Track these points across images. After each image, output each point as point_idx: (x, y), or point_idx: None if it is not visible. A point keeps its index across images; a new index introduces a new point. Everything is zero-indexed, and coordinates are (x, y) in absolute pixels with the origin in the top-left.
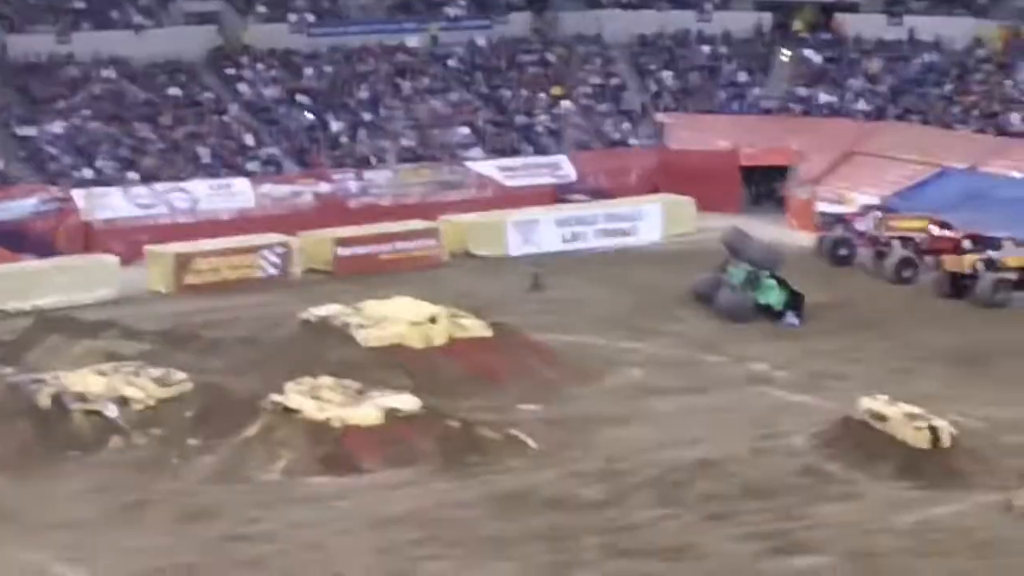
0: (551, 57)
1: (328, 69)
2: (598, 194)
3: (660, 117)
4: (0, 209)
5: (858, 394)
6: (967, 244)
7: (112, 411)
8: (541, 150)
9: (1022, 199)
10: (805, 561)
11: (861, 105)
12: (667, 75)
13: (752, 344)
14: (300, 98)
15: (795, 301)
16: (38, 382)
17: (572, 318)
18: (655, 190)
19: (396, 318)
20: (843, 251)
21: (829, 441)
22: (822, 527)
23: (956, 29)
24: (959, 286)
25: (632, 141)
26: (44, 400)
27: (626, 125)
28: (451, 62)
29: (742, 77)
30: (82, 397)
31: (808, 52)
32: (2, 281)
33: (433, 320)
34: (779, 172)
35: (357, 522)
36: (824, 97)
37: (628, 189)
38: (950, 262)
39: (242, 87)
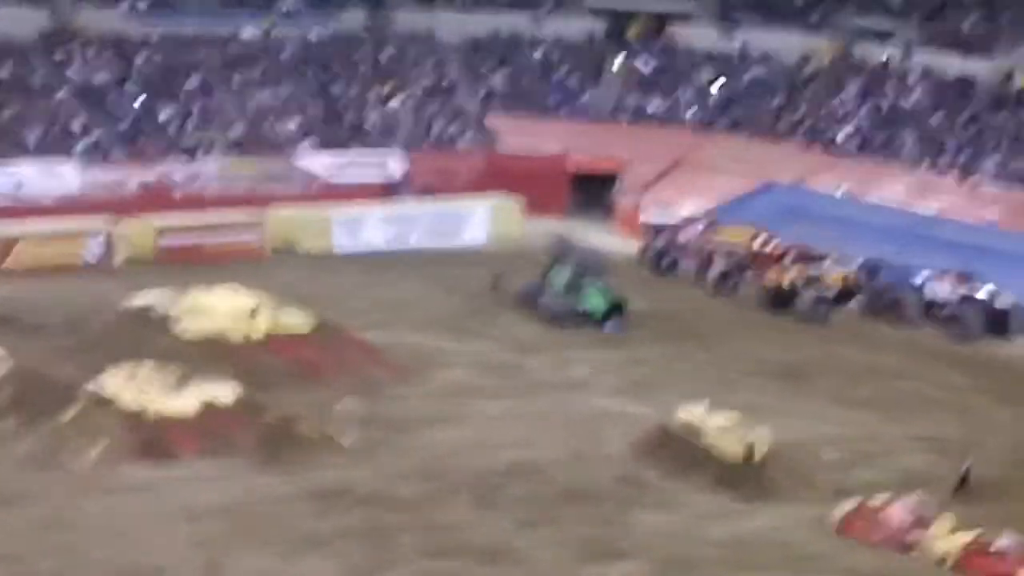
0: (384, 55)
1: (159, 57)
2: (426, 193)
3: (490, 119)
4: None
5: (678, 404)
6: (789, 259)
7: None
8: (371, 147)
9: (846, 216)
10: (622, 567)
11: (692, 115)
12: (499, 77)
13: (574, 350)
14: (130, 85)
15: (617, 308)
16: None
17: (395, 317)
18: (483, 191)
19: (217, 309)
20: (667, 261)
21: (647, 450)
22: (639, 534)
23: (787, 44)
24: (781, 300)
25: (462, 142)
26: None
27: (456, 126)
28: (284, 55)
29: (574, 83)
30: None
31: (640, 61)
32: None
33: (254, 313)
34: (607, 179)
35: (172, 512)
36: (654, 106)
37: (457, 189)
38: (771, 276)
39: (72, 71)
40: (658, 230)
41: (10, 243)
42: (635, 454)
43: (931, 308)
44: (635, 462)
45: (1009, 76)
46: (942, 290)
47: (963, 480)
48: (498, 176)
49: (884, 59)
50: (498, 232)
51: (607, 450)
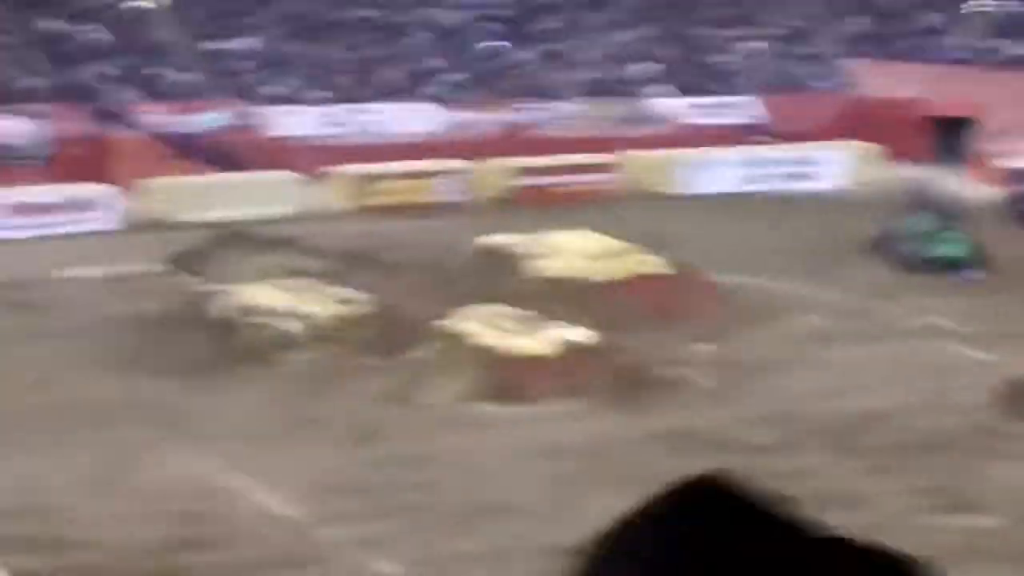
0: None
1: None
2: (783, 137)
3: (850, 62)
4: (186, 123)
5: None
6: None
7: (290, 326)
8: (728, 89)
9: None
10: (977, 520)
11: None
12: (858, 20)
13: (931, 297)
14: (490, 25)
15: (976, 255)
16: (219, 293)
17: (749, 260)
18: (842, 136)
19: (573, 251)
20: None
21: (1006, 400)
22: (995, 487)
23: None
24: None
25: (820, 85)
26: (223, 312)
27: (815, 68)
28: None
29: (935, 25)
30: (262, 310)
31: (1002, 2)
32: (185, 193)
33: (611, 254)
34: (967, 124)
35: (525, 451)
36: (1018, 49)
37: (815, 133)
38: None
39: (434, 11)
40: (1019, 176)
41: (369, 182)
42: (993, 404)
43: None
44: (992, 412)
45: None
46: None
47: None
48: (855, 120)
49: None
50: (856, 177)
51: (963, 399)
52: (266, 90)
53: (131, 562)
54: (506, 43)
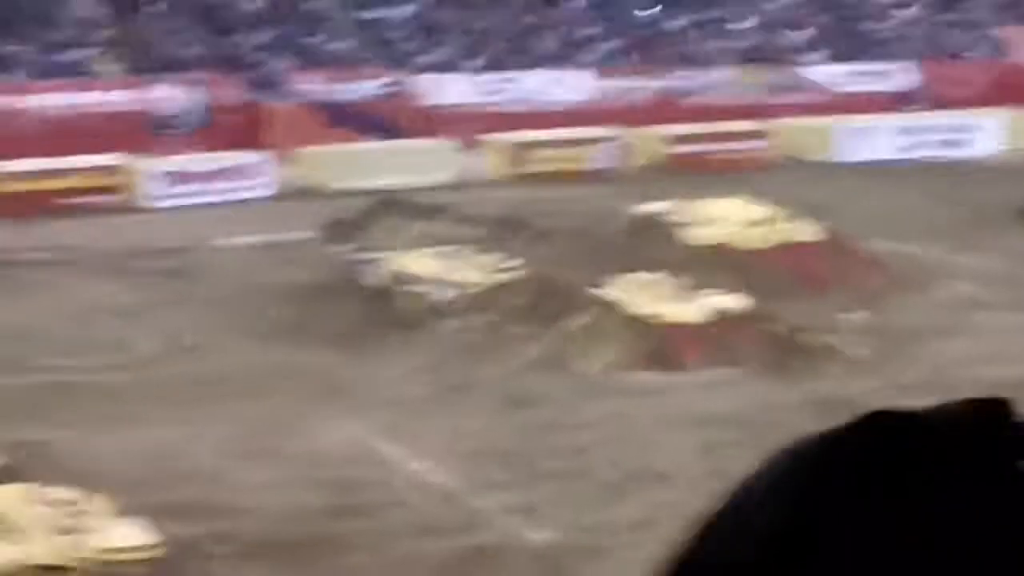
0: None
1: None
2: (937, 104)
3: (1005, 30)
4: (344, 91)
5: None
6: None
7: (444, 293)
8: (882, 56)
9: None
10: None
11: None
12: None
13: None
14: None
15: None
16: (372, 261)
17: (901, 227)
18: (996, 103)
19: (726, 218)
20: None
21: None
22: None
23: None
24: None
25: (974, 52)
26: (377, 279)
27: (969, 35)
28: None
29: None
30: (415, 278)
31: None
32: (344, 161)
33: (763, 222)
34: None
35: (677, 418)
36: None
37: (968, 100)
38: None
39: None
40: None
41: (524, 149)
42: None
43: None
44: None
45: None
46: None
47: None
48: (1010, 87)
49: None
50: (1010, 144)
51: None
52: (421, 58)
53: (285, 529)
54: (660, 10)
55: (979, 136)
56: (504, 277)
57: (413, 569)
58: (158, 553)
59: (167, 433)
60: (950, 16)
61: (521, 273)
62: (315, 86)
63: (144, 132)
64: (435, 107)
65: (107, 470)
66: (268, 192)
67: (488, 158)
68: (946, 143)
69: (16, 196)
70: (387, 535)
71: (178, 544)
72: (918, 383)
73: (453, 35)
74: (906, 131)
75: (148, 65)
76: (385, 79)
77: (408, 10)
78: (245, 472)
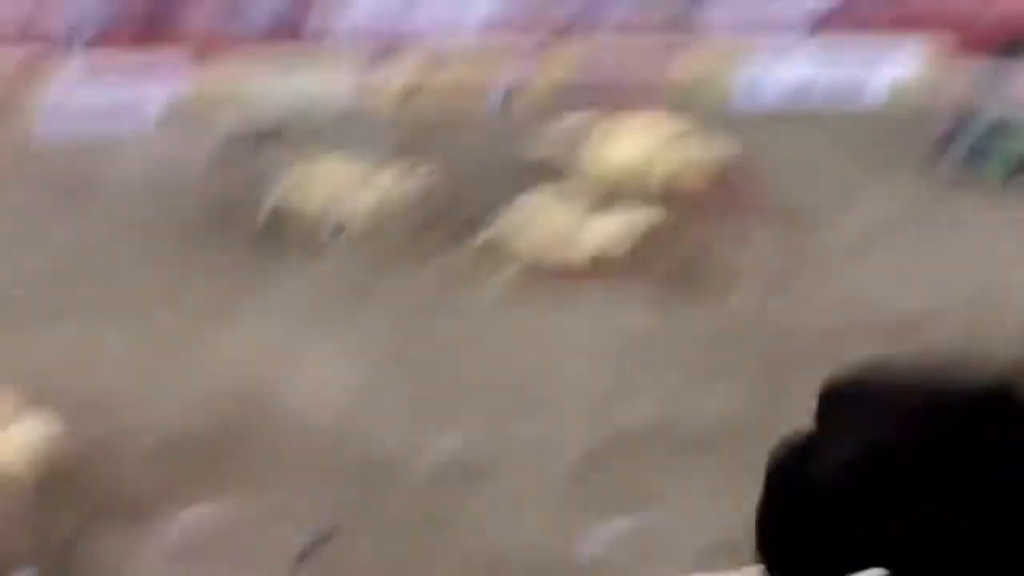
0: None
1: None
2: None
3: None
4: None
5: None
6: None
7: (346, 209)
8: None
9: None
10: None
11: None
12: None
13: (996, 195)
14: None
15: None
16: (272, 178)
17: (816, 157)
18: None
19: (638, 135)
20: None
21: None
22: None
23: None
24: None
25: None
26: (278, 194)
27: None
28: None
29: None
30: (315, 195)
31: None
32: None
33: (678, 140)
34: None
35: (586, 334)
36: None
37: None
38: None
39: None
40: None
41: (430, 66)
42: None
43: None
44: None
45: None
46: None
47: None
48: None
49: None
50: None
51: (1013, 299)
52: None
53: (181, 448)
54: None
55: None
56: (410, 193)
57: (319, 475)
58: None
59: (57, 342)
60: None
61: (424, 190)
62: None
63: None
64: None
65: (13, 365)
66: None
67: (391, 75)
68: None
69: None
70: (283, 452)
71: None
72: (825, 305)
73: None
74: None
75: None
76: None
77: None
78: (134, 391)
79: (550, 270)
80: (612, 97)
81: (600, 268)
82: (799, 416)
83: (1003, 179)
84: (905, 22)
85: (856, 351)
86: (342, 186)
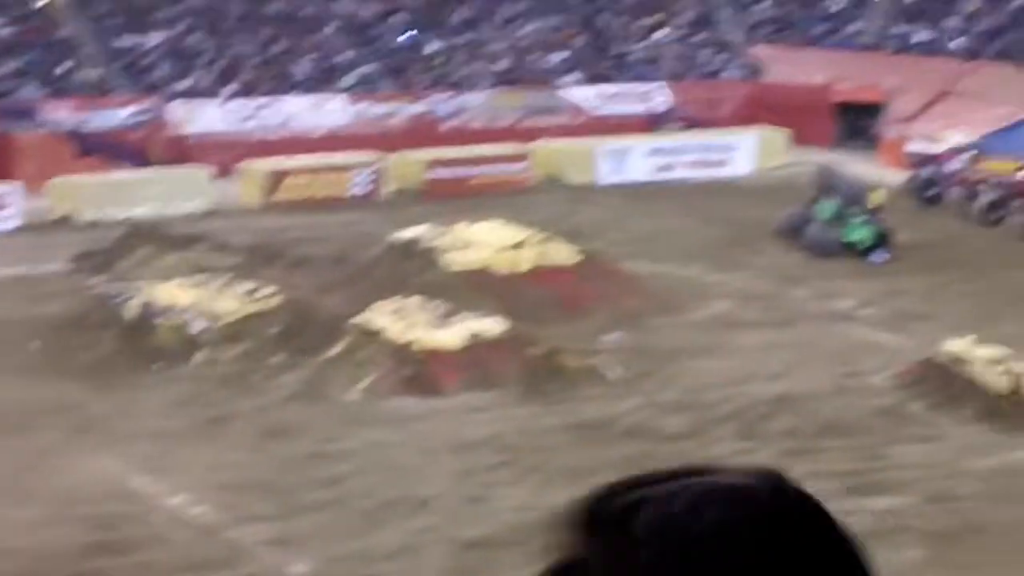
0: None
1: None
2: (692, 124)
3: (756, 49)
4: (95, 118)
5: (941, 335)
6: None
7: (199, 325)
8: (636, 78)
9: None
10: (884, 502)
11: (957, 44)
12: (765, 6)
13: (838, 281)
14: (398, 17)
15: (883, 239)
16: (127, 293)
17: (659, 248)
18: (749, 122)
19: (484, 242)
20: (933, 191)
21: (911, 382)
22: (902, 468)
23: None
24: None
25: (727, 72)
26: (131, 311)
27: (722, 56)
28: None
29: (840, 11)
30: (169, 309)
31: None
32: (96, 191)
33: (521, 245)
34: (872, 109)
35: (436, 444)
36: (920, 35)
37: (722, 120)
38: None
39: (341, 4)
40: (924, 160)
41: (279, 176)
42: (899, 386)
43: None
44: (899, 394)
45: None
46: None
47: None
48: (763, 107)
49: None
50: (764, 163)
51: (870, 382)
52: (176, 85)
53: (46, 568)
54: (417, 34)
55: (733, 156)
56: (261, 306)
57: None
58: None
59: None
60: (703, 36)
61: (277, 301)
62: (68, 114)
63: None
64: (191, 135)
65: None
66: (18, 223)
67: (245, 185)
68: (701, 163)
69: None
70: (147, 571)
71: None
72: (676, 403)
73: (208, 62)
74: (662, 152)
75: None
76: (136, 107)
77: (162, 37)
78: (4, 511)
79: (406, 377)
80: (460, 202)
81: (454, 374)
82: None
83: (838, 259)
84: (738, 120)
85: (708, 448)
86: (200, 298)
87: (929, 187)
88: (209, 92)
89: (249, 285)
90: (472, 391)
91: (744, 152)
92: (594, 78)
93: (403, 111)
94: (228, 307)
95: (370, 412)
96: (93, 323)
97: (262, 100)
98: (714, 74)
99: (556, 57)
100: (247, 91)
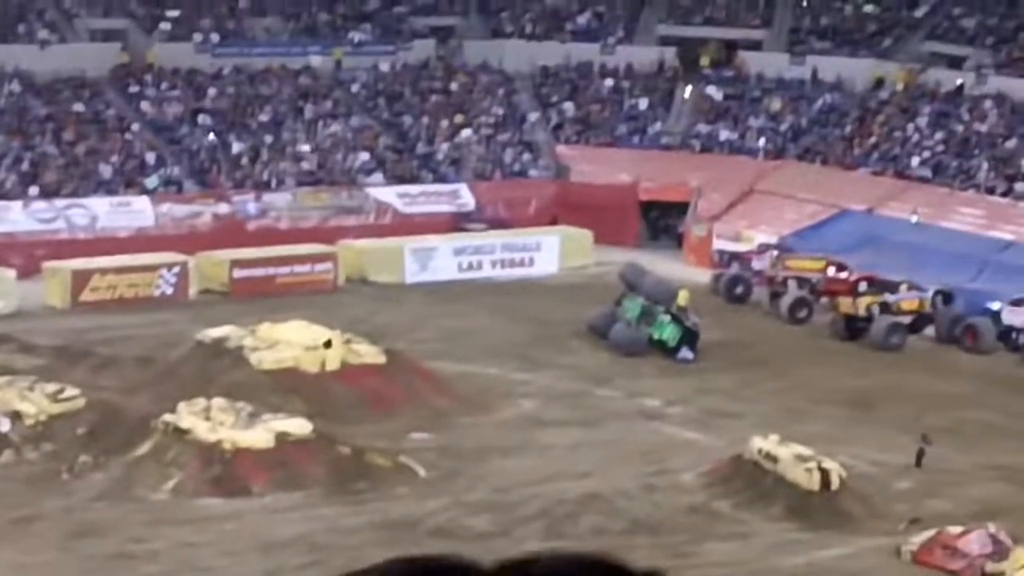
0: (454, 86)
1: (231, 90)
2: (497, 224)
3: (561, 149)
4: None
5: (750, 433)
6: (863, 287)
7: (4, 425)
8: (441, 178)
9: (919, 244)
10: None
11: (762, 143)
12: (569, 107)
13: (645, 379)
14: (202, 118)
15: (689, 337)
16: None
17: (466, 347)
18: (554, 222)
19: (290, 342)
20: (739, 289)
21: (719, 479)
22: (709, 566)
23: (858, 70)
24: (854, 328)
25: (532, 172)
26: None
27: (527, 156)
28: (354, 87)
29: (644, 111)
30: None
31: (710, 89)
32: None
33: (327, 345)
34: (678, 208)
35: (244, 544)
36: (725, 134)
37: (527, 220)
38: (845, 304)
39: (145, 105)
40: (730, 258)
41: (85, 276)
42: (707, 484)
43: (1007, 335)
44: (707, 492)
45: None
46: (1018, 317)
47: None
48: (568, 206)
49: (957, 84)
50: (568, 262)
51: (679, 480)
52: None
53: None
54: (218, 136)
55: (537, 255)
56: (65, 407)
57: None
58: None
59: None
60: (507, 136)
61: (81, 402)
62: None
63: None
64: None
65: None
66: None
67: (48, 286)
68: (505, 263)
69: None
70: None
71: None
72: (483, 503)
73: (7, 162)
74: (466, 251)
75: None
76: None
77: None
78: None
79: (214, 476)
80: (267, 302)
81: (262, 473)
82: None
83: (644, 357)
84: (544, 220)
85: (516, 547)
86: (4, 399)
87: (735, 285)
88: (13, 193)
89: (55, 386)
90: (279, 490)
91: (548, 252)
92: (399, 177)
93: (208, 211)
94: (32, 408)
95: (177, 512)
96: None
97: (67, 201)
98: (520, 174)
99: (361, 156)
100: (51, 192)
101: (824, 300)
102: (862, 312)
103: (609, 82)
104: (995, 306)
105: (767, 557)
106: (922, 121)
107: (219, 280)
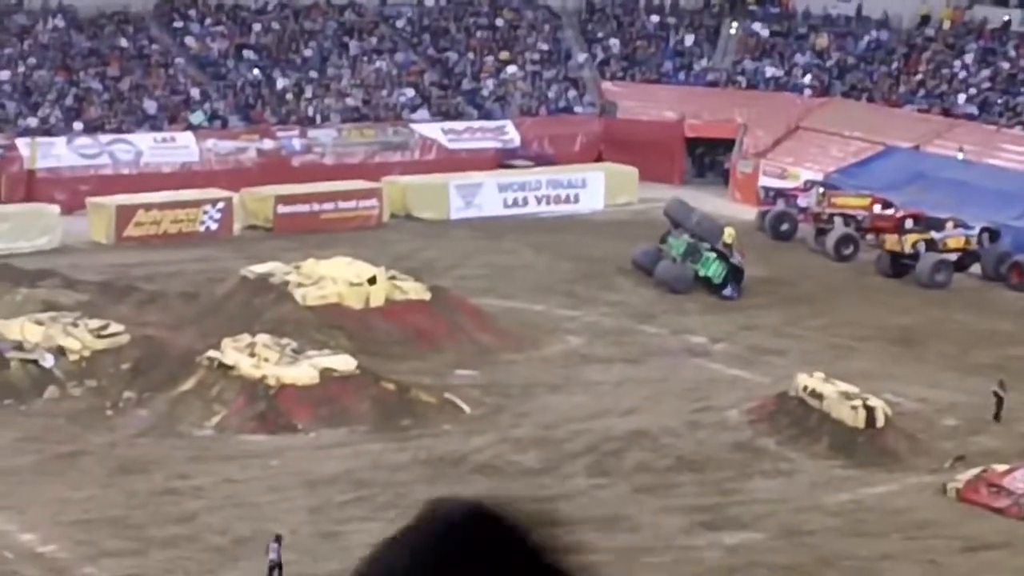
0: (499, 22)
1: (276, 25)
2: (542, 160)
3: (606, 85)
4: None
5: (795, 370)
6: (909, 224)
7: (48, 361)
8: (486, 114)
9: (965, 181)
10: (736, 537)
11: (808, 80)
12: (614, 43)
13: (690, 316)
14: (247, 53)
15: (734, 274)
16: None
17: (511, 284)
18: (599, 158)
19: (335, 278)
20: (785, 226)
21: (764, 416)
22: (754, 503)
23: (904, 6)
24: (900, 265)
25: (578, 109)
26: None
27: (572, 92)
28: (399, 23)
29: (689, 47)
30: (19, 346)
31: (756, 25)
32: None
33: (372, 281)
34: (723, 144)
35: (289, 480)
36: (771, 71)
37: (572, 156)
38: (891, 241)
39: (189, 40)
40: (776, 195)
41: (129, 213)
42: (751, 421)
43: None
44: (751, 429)
45: None
46: None
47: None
48: (613, 142)
49: (1004, 21)
50: (613, 199)
51: (724, 417)
52: (22, 122)
53: None
54: (263, 71)
55: (583, 192)
56: (110, 343)
57: None
58: None
59: None
60: (552, 73)
61: (125, 338)
62: None
63: None
64: (36, 171)
65: None
66: None
67: (92, 221)
68: (551, 199)
69: None
70: None
71: None
72: (529, 439)
73: (52, 98)
74: (512, 188)
75: None
76: None
77: (6, 74)
78: None
79: (258, 412)
80: (311, 238)
81: (307, 409)
82: None
83: (689, 294)
84: (589, 157)
85: (562, 484)
86: (50, 335)
87: (781, 222)
88: (57, 129)
89: (99, 322)
90: (323, 426)
91: (593, 188)
92: (444, 113)
93: (252, 147)
94: (77, 343)
95: (221, 448)
96: None
97: (111, 136)
98: (565, 110)
99: (406, 93)
100: (95, 128)
101: (870, 237)
102: (908, 249)
103: (655, 18)
104: None
105: (812, 494)
106: (968, 58)
107: (263, 216)
